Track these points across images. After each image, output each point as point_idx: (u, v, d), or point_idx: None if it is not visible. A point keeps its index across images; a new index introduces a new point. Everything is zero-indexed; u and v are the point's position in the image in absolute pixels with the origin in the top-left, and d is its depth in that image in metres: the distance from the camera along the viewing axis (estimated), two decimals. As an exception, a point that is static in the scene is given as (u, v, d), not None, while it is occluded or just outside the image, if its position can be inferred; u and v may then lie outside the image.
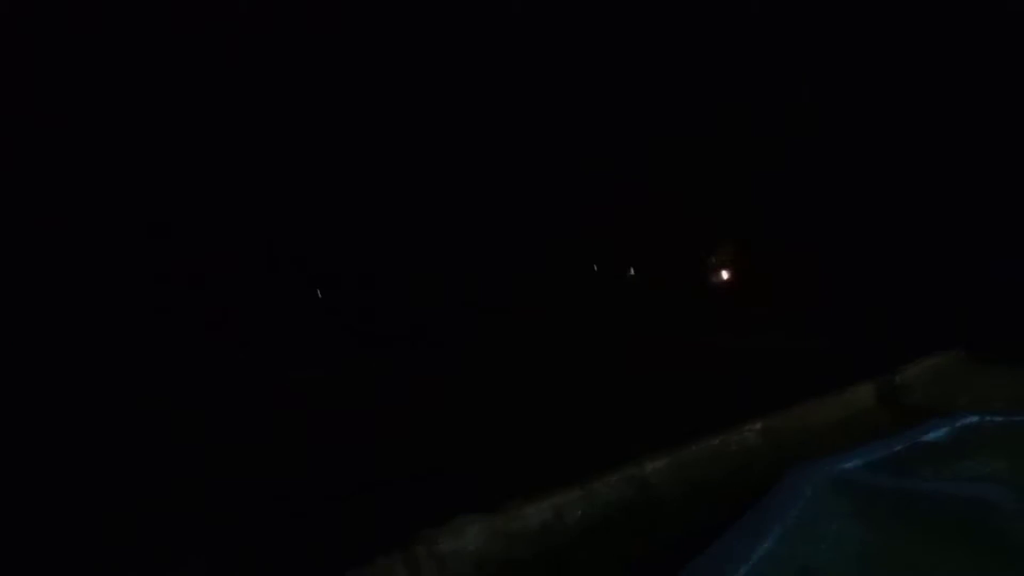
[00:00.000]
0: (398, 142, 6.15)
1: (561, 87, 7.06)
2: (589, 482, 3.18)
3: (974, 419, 4.46)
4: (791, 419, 4.39)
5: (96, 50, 4.73)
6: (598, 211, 7.48)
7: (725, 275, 8.69)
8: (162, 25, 5.02)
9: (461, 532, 2.79)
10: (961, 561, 2.58)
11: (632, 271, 8.18)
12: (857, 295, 7.66)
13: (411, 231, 6.09)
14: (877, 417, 5.05)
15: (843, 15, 8.09)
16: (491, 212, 6.49)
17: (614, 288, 7.95)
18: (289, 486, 2.95)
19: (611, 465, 3.30)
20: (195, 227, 5.01)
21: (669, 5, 7.57)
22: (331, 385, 3.80)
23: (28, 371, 3.37)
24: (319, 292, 5.37)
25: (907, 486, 3.47)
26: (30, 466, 2.68)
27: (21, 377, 3.29)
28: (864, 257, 8.01)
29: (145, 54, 4.94)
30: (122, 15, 4.83)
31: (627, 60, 7.46)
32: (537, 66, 6.91)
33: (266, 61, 5.52)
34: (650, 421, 3.97)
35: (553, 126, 7.02)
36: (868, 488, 3.34)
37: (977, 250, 7.71)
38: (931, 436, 4.15)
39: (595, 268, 7.85)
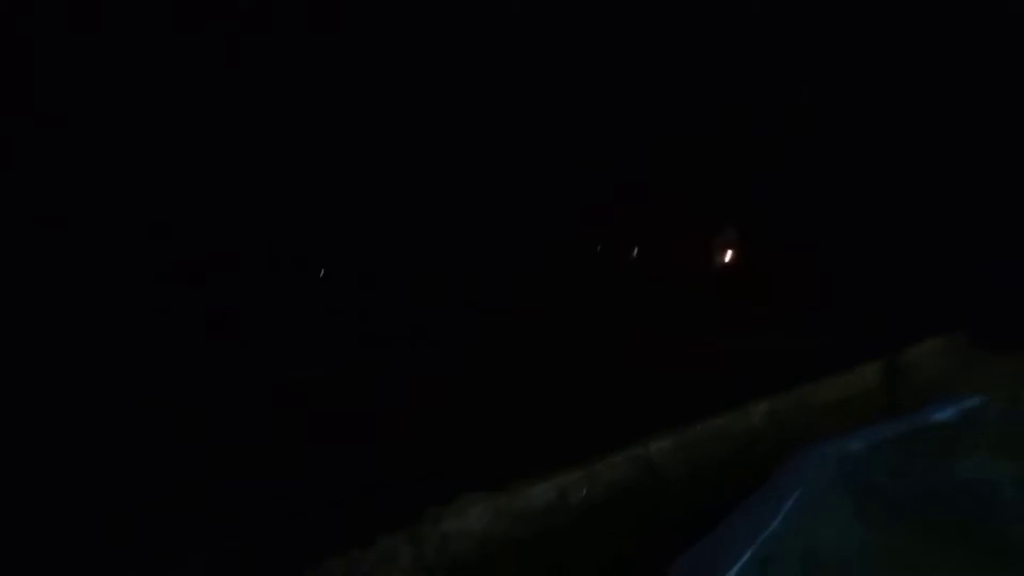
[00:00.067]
0: (398, 142, 6.11)
1: (560, 87, 7.01)
2: (592, 462, 3.18)
3: (979, 400, 4.46)
4: (795, 400, 4.38)
5: (96, 50, 4.69)
6: (598, 208, 7.46)
7: (728, 260, 8.68)
8: (162, 25, 4.98)
9: (464, 511, 2.79)
10: (964, 551, 2.58)
11: (634, 254, 8.16)
12: (861, 278, 7.65)
13: (411, 231, 6.07)
14: (881, 398, 5.05)
15: (843, 15, 8.07)
16: (491, 211, 6.47)
17: (618, 271, 7.93)
18: (290, 479, 2.95)
19: (614, 445, 3.30)
20: (195, 227, 4.99)
21: (669, 5, 7.56)
22: (331, 385, 3.79)
23: (27, 371, 3.37)
24: (319, 291, 5.36)
25: (911, 468, 3.47)
26: (30, 466, 2.67)
27: (21, 377, 3.28)
28: (868, 241, 8.01)
29: (145, 54, 4.90)
30: (122, 15, 4.80)
31: (626, 60, 7.41)
32: (536, 66, 6.86)
33: (266, 61, 5.47)
34: (654, 401, 3.96)
35: (553, 126, 6.98)
36: (872, 470, 3.33)
37: (982, 235, 7.73)
38: (936, 418, 4.14)
39: (598, 249, 7.83)
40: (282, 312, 4.99)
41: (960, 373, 5.65)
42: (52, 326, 3.85)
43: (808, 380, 4.64)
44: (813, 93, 8.24)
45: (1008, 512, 2.91)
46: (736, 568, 2.43)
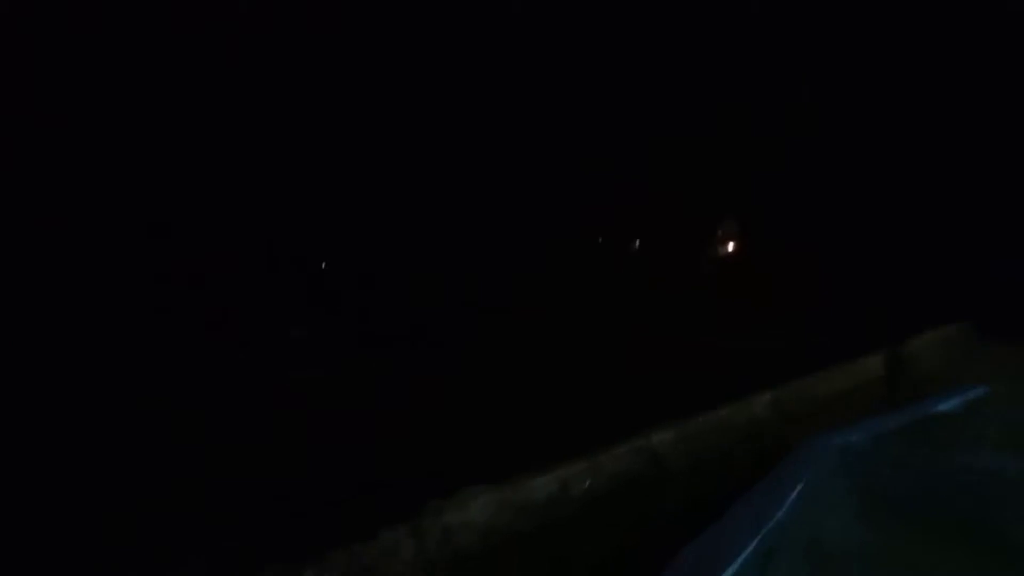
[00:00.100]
0: (398, 142, 6.09)
1: (560, 87, 6.99)
2: (595, 454, 3.16)
3: (982, 391, 4.44)
4: (799, 390, 4.36)
5: (96, 50, 4.67)
6: (601, 204, 7.44)
7: (732, 254, 8.67)
8: (162, 24, 4.95)
9: (467, 504, 2.78)
10: (964, 550, 2.57)
11: (637, 247, 8.15)
12: (864, 270, 7.64)
13: (411, 231, 6.05)
14: (885, 388, 5.03)
15: (843, 15, 8.06)
16: (496, 210, 6.45)
17: (621, 265, 7.91)
18: (292, 476, 2.94)
19: (618, 437, 3.28)
20: (195, 227, 4.98)
21: (669, 5, 7.54)
22: (333, 380, 3.78)
23: (27, 371, 3.35)
24: (320, 290, 5.34)
25: (914, 460, 3.46)
26: (30, 466, 2.66)
27: (20, 377, 3.27)
28: (871, 233, 8.00)
29: (145, 53, 4.88)
30: (122, 15, 4.78)
31: (624, 59, 7.39)
32: (536, 66, 6.83)
33: (265, 60, 5.44)
34: (657, 393, 3.94)
35: (554, 126, 6.96)
36: (877, 460, 3.32)
37: (986, 225, 7.74)
38: (940, 408, 4.13)
39: (601, 244, 7.81)
40: (284, 312, 4.98)
41: (963, 364, 5.63)
42: (53, 326, 3.83)
43: (811, 371, 4.62)
44: (816, 91, 8.23)
45: (1008, 512, 2.89)
46: (740, 560, 2.42)
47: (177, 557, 2.09)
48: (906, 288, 7.18)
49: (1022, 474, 3.27)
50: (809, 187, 8.18)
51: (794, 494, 2.87)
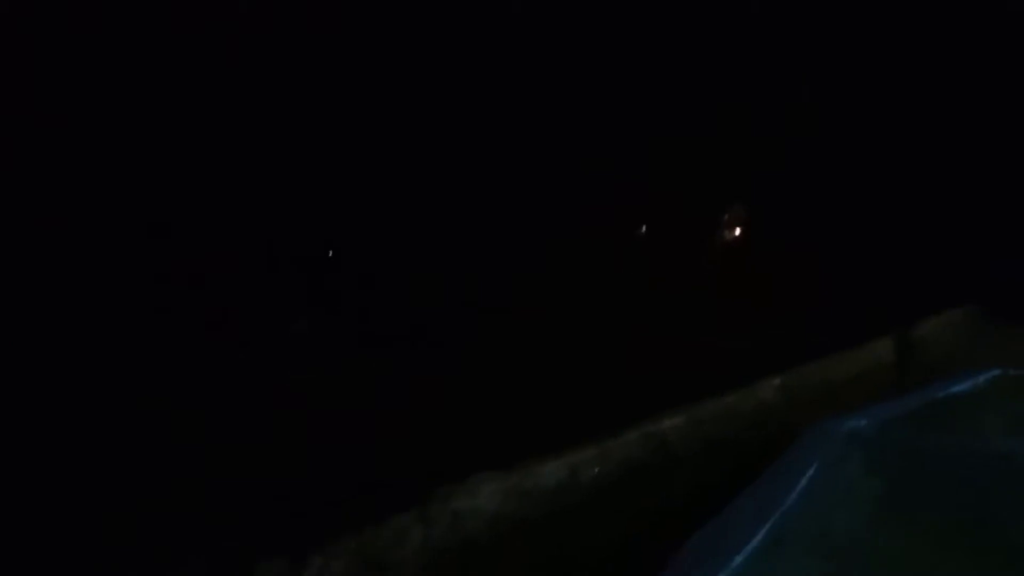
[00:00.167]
0: (397, 141, 6.06)
1: (560, 86, 6.94)
2: (604, 440, 3.15)
3: (995, 373, 4.41)
4: (807, 376, 4.35)
5: (96, 49, 4.64)
6: (600, 206, 7.41)
7: (739, 238, 8.64)
8: (162, 24, 4.92)
9: (476, 490, 2.78)
10: (964, 550, 2.55)
11: (643, 231, 8.13)
12: (873, 254, 7.62)
13: (411, 230, 6.03)
14: (894, 373, 5.01)
15: (843, 15, 8.01)
16: (491, 210, 6.43)
17: (630, 249, 7.89)
18: (295, 468, 2.94)
19: (626, 423, 3.28)
20: (195, 227, 4.97)
21: (669, 4, 7.49)
22: (336, 371, 3.77)
23: (27, 371, 3.35)
24: (319, 287, 5.34)
25: (925, 445, 3.44)
26: (30, 466, 2.67)
27: (20, 377, 3.27)
28: (880, 216, 7.98)
29: (145, 53, 4.85)
30: (122, 14, 4.75)
31: (624, 59, 7.33)
32: (535, 65, 6.78)
33: (265, 60, 5.41)
34: (665, 379, 3.93)
35: (554, 125, 6.91)
36: (886, 446, 3.30)
37: (994, 210, 7.75)
38: (950, 392, 4.10)
39: (609, 229, 7.78)
40: (282, 312, 4.97)
41: (973, 348, 5.60)
42: (52, 326, 3.84)
43: (819, 357, 4.60)
44: (827, 80, 8.20)
45: (1020, 497, 2.88)
46: (749, 548, 2.41)
47: (177, 557, 2.10)
48: (914, 272, 7.14)
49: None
50: (818, 173, 8.16)
51: (803, 481, 2.86)
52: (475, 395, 3.85)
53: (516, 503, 2.83)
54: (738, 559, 2.37)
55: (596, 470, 3.05)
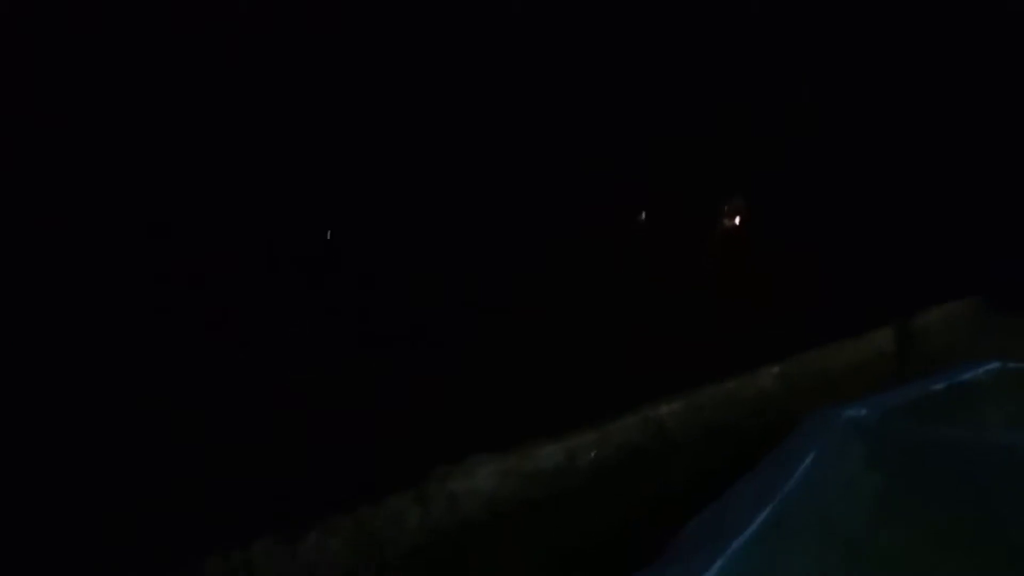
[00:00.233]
0: (397, 141, 6.02)
1: (560, 86, 6.90)
2: (603, 424, 3.14)
3: (995, 365, 4.40)
4: (807, 364, 4.34)
5: (96, 49, 4.59)
6: (602, 198, 7.39)
7: (740, 226, 8.63)
8: (162, 24, 4.87)
9: (473, 472, 2.77)
10: (964, 549, 2.54)
11: (643, 218, 8.11)
12: (874, 244, 7.62)
13: (411, 230, 6.01)
14: (894, 363, 5.01)
15: (843, 15, 7.97)
16: (491, 210, 6.41)
17: (631, 236, 7.88)
18: (293, 451, 2.93)
19: (626, 407, 3.26)
20: (195, 227, 4.94)
21: (669, 4, 7.45)
22: (331, 383, 3.75)
23: (27, 371, 3.33)
24: (319, 291, 5.32)
25: (924, 436, 3.43)
26: (30, 466, 2.65)
27: (20, 377, 3.25)
28: (881, 207, 7.99)
29: (145, 53, 4.81)
30: (122, 14, 4.70)
31: (624, 58, 7.29)
32: (535, 65, 6.74)
33: (265, 60, 5.36)
34: (665, 364, 3.91)
35: (553, 125, 6.87)
36: (886, 436, 3.29)
37: (996, 203, 7.77)
38: (951, 382, 4.09)
39: (611, 217, 7.77)
40: (282, 312, 4.95)
41: (974, 340, 5.59)
42: (52, 326, 3.81)
43: (820, 345, 4.59)
44: (833, 75, 8.19)
45: (1020, 487, 2.87)
46: (747, 533, 2.40)
47: (177, 557, 2.08)
48: (916, 262, 7.14)
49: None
50: (821, 165, 8.16)
51: (802, 468, 2.85)
52: (474, 377, 3.84)
53: (514, 485, 2.83)
54: (736, 544, 2.36)
55: (594, 454, 3.04)
